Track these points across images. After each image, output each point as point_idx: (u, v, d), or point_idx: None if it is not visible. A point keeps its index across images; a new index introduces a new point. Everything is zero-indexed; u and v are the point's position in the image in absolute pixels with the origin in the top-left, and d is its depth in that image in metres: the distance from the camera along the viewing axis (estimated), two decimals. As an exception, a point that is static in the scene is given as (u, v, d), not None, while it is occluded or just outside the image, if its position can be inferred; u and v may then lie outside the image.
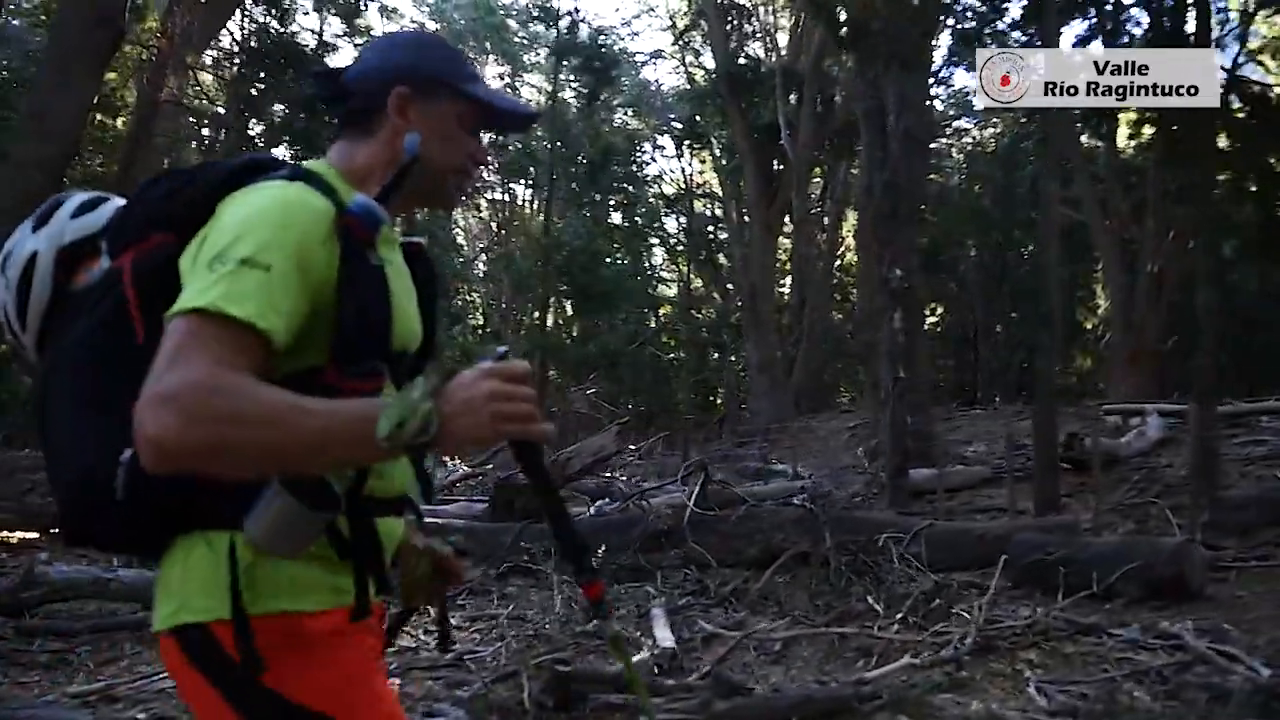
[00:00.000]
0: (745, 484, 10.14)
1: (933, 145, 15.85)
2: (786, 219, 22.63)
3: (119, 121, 11.62)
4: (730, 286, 26.08)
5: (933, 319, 31.73)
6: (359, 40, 16.10)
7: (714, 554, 6.93)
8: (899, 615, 5.46)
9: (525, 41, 31.16)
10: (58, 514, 1.32)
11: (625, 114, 32.05)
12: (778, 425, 18.05)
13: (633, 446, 15.89)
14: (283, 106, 11.43)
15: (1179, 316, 23.54)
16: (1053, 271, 9.31)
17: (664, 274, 34.00)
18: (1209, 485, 7.43)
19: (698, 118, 24.88)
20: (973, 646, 4.69)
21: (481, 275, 28.44)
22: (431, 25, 30.24)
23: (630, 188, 28.95)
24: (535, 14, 25.56)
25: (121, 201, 1.38)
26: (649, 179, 28.59)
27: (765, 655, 5.18)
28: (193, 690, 1.23)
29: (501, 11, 29.53)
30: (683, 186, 28.38)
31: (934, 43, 13.57)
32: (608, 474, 10.88)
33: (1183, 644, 4.78)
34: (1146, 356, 22.62)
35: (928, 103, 12.18)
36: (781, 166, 22.09)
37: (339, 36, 16.33)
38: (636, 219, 28.03)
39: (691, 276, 29.66)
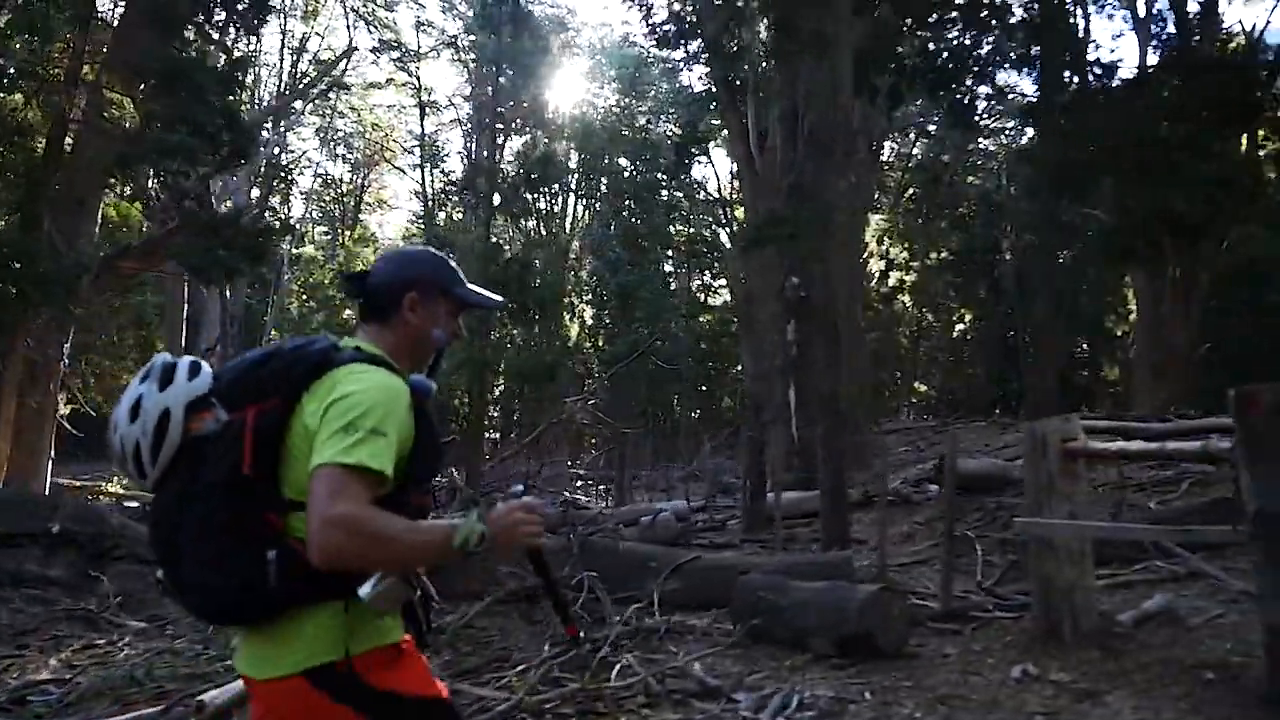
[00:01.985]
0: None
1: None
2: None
3: (27, 143, 11.65)
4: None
5: (962, 325, 30.35)
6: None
7: (442, 586, 6.40)
8: (526, 668, 4.86)
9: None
10: (200, 606, 1.76)
11: (654, 120, 31.53)
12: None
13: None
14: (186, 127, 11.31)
15: (1210, 322, 21.87)
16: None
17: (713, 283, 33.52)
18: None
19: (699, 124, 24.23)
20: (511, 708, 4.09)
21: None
22: (456, 29, 30.42)
23: (654, 195, 28.48)
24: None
25: (207, 366, 1.82)
26: (664, 184, 27.94)
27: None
28: (313, 712, 1.69)
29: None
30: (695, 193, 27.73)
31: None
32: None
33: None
34: (1175, 365, 20.93)
35: (850, 97, 11.16)
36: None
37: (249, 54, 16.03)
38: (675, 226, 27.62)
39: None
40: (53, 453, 13.06)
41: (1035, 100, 7.43)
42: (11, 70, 10.78)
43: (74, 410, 14.94)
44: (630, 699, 4.49)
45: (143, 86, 11.91)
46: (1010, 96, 20.11)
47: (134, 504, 12.93)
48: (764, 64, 17.21)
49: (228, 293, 25.40)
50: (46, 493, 12.62)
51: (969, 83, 8.03)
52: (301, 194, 37.57)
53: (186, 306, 25.46)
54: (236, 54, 12.46)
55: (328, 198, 38.31)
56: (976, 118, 27.95)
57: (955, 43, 7.80)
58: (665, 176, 26.84)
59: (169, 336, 23.88)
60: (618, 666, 4.96)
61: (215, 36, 12.05)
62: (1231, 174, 6.63)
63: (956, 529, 7.68)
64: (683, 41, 25.33)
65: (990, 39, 8.99)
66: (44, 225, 11.25)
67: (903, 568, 7.16)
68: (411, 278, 1.95)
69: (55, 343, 11.49)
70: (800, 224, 10.67)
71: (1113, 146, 6.80)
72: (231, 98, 11.81)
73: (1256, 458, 3.72)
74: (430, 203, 30.60)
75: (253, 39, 17.39)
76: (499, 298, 2.20)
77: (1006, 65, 8.01)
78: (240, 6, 12.02)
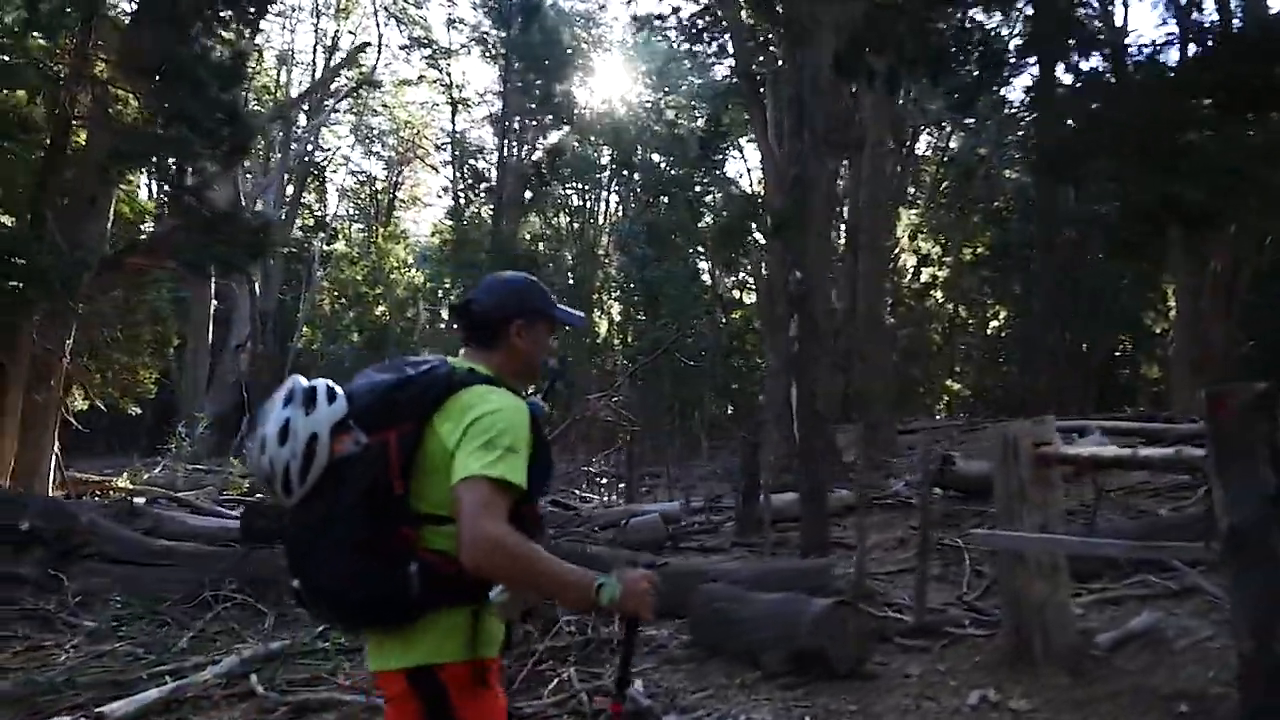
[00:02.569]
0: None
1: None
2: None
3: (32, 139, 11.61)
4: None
5: (996, 322, 29.54)
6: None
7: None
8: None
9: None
10: (338, 612, 1.90)
11: (683, 114, 31.11)
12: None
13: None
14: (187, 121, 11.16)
15: (1251, 318, 20.99)
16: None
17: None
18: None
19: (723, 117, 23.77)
20: None
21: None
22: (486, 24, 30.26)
23: (682, 190, 28.06)
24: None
25: (340, 390, 1.94)
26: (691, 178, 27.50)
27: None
28: (406, 708, 1.86)
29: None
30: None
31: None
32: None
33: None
34: (1212, 362, 20.10)
35: (833, 80, 10.70)
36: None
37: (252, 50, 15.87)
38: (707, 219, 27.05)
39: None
40: (58, 447, 13.07)
41: (1035, 83, 6.95)
42: (17, 65, 10.74)
43: (90, 406, 15.00)
44: (557, 718, 4.19)
45: (144, 83, 11.84)
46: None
47: (142, 499, 12.90)
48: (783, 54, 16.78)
49: (257, 290, 25.56)
50: (50, 489, 12.63)
51: (971, 67, 7.55)
52: (338, 191, 37.86)
53: (215, 304, 25.68)
54: (240, 48, 12.25)
55: (363, 195, 38.49)
56: (1012, 110, 27.30)
57: (956, 24, 7.36)
58: (690, 171, 26.42)
59: (195, 334, 24.09)
60: (555, 681, 4.68)
61: (220, 31, 11.85)
62: (1244, 161, 6.11)
63: (950, 537, 7.29)
64: (709, 34, 25.00)
65: (993, 19, 8.55)
66: (47, 222, 11.22)
67: (888, 576, 6.74)
68: (516, 306, 2.13)
69: (58, 339, 11.44)
70: (793, 216, 10.32)
71: (1114, 128, 6.31)
72: (231, 92, 11.65)
73: (1227, 465, 3.31)
74: (459, 200, 30.49)
75: (254, 33, 17.23)
76: (581, 314, 2.37)
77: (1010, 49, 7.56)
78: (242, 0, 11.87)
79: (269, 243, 11.86)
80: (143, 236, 12.93)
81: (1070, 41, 6.84)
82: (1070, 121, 6.49)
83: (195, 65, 11.38)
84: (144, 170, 11.63)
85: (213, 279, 23.53)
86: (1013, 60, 7.54)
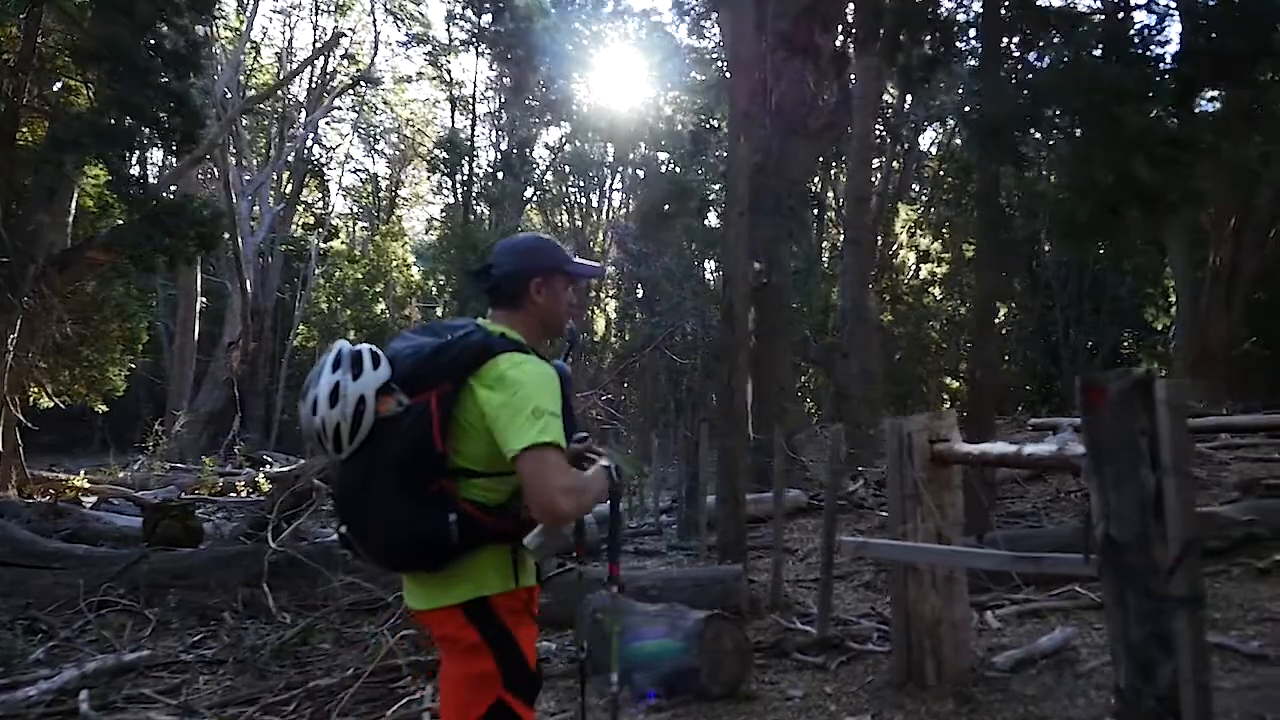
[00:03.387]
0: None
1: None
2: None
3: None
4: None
5: (997, 320, 28.82)
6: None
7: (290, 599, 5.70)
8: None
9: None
10: (386, 557, 2.08)
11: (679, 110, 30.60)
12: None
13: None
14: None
15: (1256, 315, 20.24)
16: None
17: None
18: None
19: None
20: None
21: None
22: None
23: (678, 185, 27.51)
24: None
25: (384, 355, 2.10)
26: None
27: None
28: (463, 639, 2.03)
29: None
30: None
31: None
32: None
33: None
34: (1212, 360, 19.41)
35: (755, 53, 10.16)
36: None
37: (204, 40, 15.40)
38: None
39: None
40: (20, 444, 12.76)
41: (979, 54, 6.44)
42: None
43: (64, 405, 14.69)
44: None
45: (96, 71, 11.49)
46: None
47: (94, 498, 12.56)
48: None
49: (249, 287, 25.26)
50: (9, 487, 12.32)
51: (928, 40, 7.00)
52: (341, 190, 37.60)
53: (204, 300, 25.41)
54: (195, 36, 11.87)
55: (365, 194, 38.23)
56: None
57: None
58: (684, 165, 25.88)
59: (182, 330, 23.83)
60: (407, 699, 4.24)
61: (175, 19, 11.46)
62: (1193, 134, 5.54)
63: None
64: (702, 25, 24.50)
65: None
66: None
67: (815, 584, 6.23)
68: (533, 265, 2.21)
69: (1, 335, 11.09)
70: (758, 204, 9.83)
71: (1060, 100, 5.74)
72: (185, 81, 11.27)
73: (1102, 465, 2.79)
74: (457, 197, 30.11)
75: (211, 20, 16.87)
76: (598, 265, 2.59)
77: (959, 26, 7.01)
78: (193, -13, 11.48)
79: (218, 234, 11.45)
80: (103, 230, 12.54)
81: (1018, 11, 6.31)
82: (1017, 93, 5.94)
83: (145, 53, 11.00)
84: (97, 160, 11.19)
85: (199, 275, 23.33)
86: (969, 36, 7.01)
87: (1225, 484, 7.51)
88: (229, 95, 22.22)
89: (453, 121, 32.69)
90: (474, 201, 31.70)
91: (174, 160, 13.02)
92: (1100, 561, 2.92)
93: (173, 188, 12.82)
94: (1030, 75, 6.41)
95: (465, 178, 29.20)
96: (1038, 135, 6.51)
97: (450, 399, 1.98)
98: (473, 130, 30.94)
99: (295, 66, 26.07)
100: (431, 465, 1.96)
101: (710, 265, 30.37)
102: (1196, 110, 6.36)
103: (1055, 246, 18.82)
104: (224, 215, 11.01)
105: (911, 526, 3.99)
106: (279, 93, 30.40)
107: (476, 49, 28.73)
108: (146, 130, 10.64)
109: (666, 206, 21.66)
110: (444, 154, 28.28)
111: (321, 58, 30.60)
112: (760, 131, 10.44)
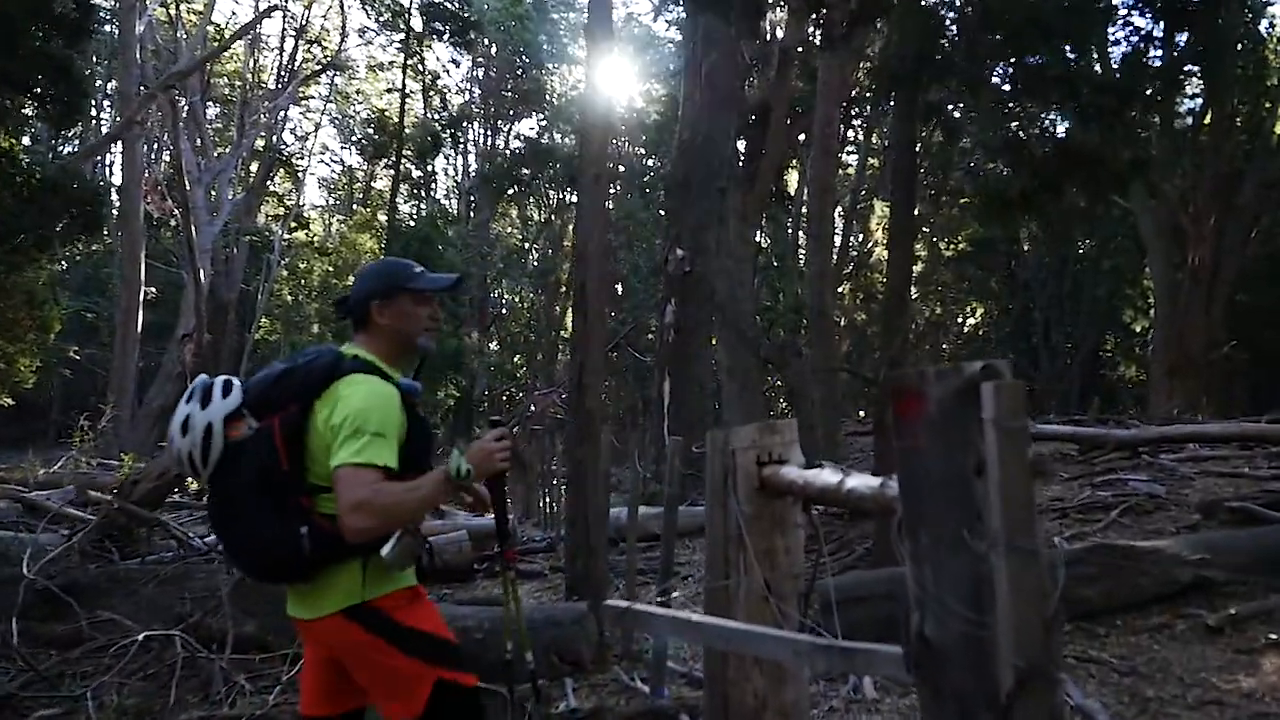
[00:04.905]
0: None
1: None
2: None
3: None
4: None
5: (973, 320, 27.79)
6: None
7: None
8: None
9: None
10: (250, 571, 2.27)
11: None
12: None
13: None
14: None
15: (1237, 319, 19.23)
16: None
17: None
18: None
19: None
20: None
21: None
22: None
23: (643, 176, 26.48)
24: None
25: (238, 383, 2.24)
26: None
27: None
28: (355, 643, 2.10)
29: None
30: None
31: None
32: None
33: None
34: (1190, 366, 18.41)
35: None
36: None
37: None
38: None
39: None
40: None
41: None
42: None
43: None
44: None
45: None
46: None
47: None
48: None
49: (203, 277, 24.16)
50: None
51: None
52: (318, 182, 36.49)
53: (153, 291, 24.30)
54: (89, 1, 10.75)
55: (340, 186, 37.13)
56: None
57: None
58: (651, 156, 24.86)
59: (124, 320, 22.70)
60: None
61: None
62: (1132, 82, 4.50)
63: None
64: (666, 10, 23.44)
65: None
66: None
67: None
68: (370, 289, 2.29)
69: None
70: (680, 183, 8.79)
71: (967, 36, 4.71)
72: (74, 50, 10.17)
73: (916, 523, 1.71)
74: (424, 190, 29.02)
75: None
76: (451, 276, 2.44)
77: None
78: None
79: (100, 216, 10.35)
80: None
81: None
82: (933, 34, 4.90)
83: (24, 14, 9.89)
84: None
85: (142, 262, 22.22)
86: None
87: (1186, 504, 6.45)
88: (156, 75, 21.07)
89: (425, 111, 31.58)
90: (447, 196, 30.67)
91: (56, 133, 11.92)
92: (913, 656, 1.83)
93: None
94: (947, 17, 5.35)
95: (431, 170, 28.08)
96: (951, 85, 5.48)
97: (295, 420, 2.10)
98: (445, 125, 29.88)
99: (226, 38, 24.71)
100: (282, 483, 2.08)
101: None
102: (1143, 60, 5.37)
103: (983, 225, 17.54)
104: (102, 196, 9.90)
105: (734, 581, 2.90)
106: (248, 79, 29.34)
107: (446, 37, 27.56)
108: (19, 99, 9.54)
109: (630, 196, 20.75)
110: (411, 149, 27.21)
111: (290, 46, 29.50)
112: (690, 109, 9.34)
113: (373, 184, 35.99)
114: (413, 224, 20.69)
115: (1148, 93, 4.78)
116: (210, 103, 29.76)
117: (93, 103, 24.05)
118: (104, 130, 25.62)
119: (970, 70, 4.82)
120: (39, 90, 9.79)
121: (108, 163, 28.33)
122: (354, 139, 35.97)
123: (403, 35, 30.56)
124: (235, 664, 4.18)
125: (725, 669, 2.97)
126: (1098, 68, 4.65)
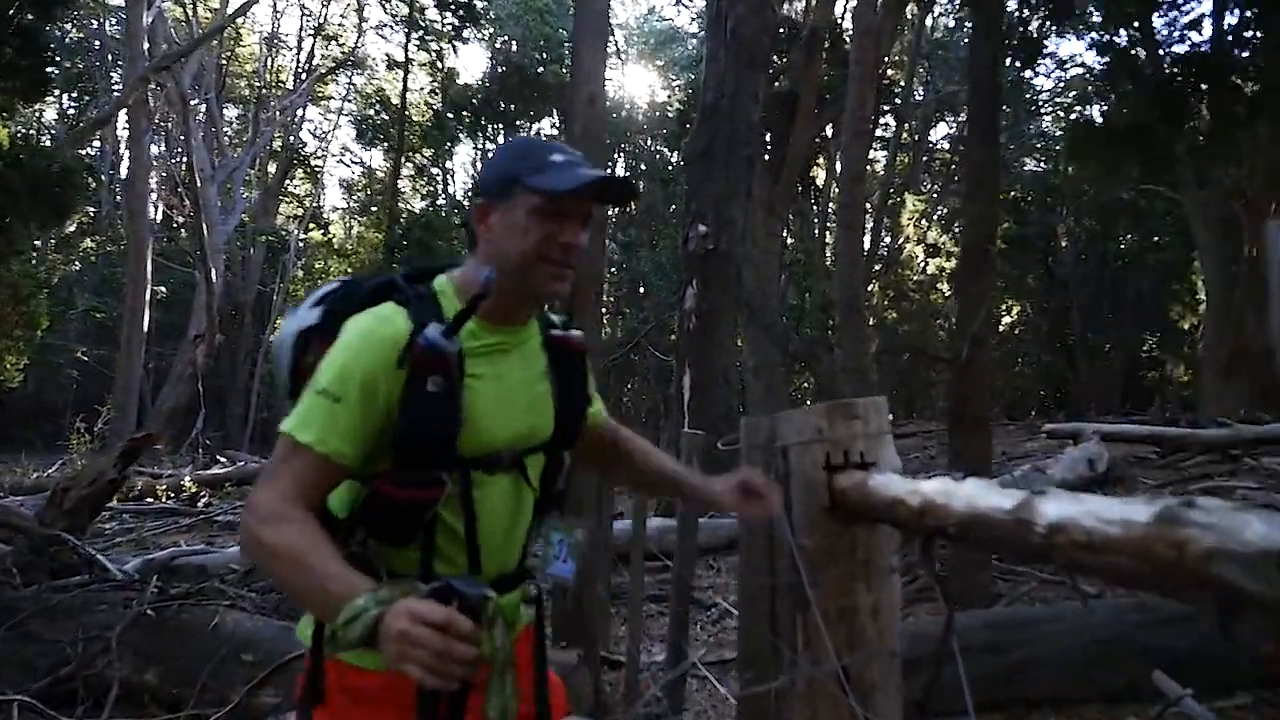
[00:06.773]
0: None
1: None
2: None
3: None
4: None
5: (1009, 318, 26.41)
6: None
7: None
8: None
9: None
10: None
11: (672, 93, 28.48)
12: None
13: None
14: None
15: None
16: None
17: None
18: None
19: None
20: None
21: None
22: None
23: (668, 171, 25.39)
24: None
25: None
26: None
27: None
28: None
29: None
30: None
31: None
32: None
33: None
34: (1245, 362, 17.07)
35: None
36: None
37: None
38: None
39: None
40: None
41: None
42: None
43: None
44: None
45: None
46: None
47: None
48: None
49: (215, 277, 23.34)
50: None
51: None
52: (340, 183, 35.72)
53: (161, 290, 23.49)
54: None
55: (360, 186, 36.34)
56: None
57: None
58: (673, 148, 23.82)
59: (130, 320, 21.86)
60: None
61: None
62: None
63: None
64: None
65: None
66: None
67: (720, 663, 4.02)
68: (481, 180, 1.45)
69: None
70: (702, 152, 7.72)
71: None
72: (36, 20, 9.21)
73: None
74: (442, 185, 28.13)
75: None
76: (595, 172, 1.33)
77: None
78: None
79: (73, 198, 9.37)
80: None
81: None
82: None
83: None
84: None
85: (149, 260, 21.37)
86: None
87: None
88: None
89: (444, 107, 30.65)
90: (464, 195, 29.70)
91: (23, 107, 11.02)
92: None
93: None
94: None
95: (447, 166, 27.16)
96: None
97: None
98: (465, 119, 28.97)
99: (214, 23, 23.71)
100: None
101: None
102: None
103: (1073, 161, 16.14)
104: (76, 173, 8.95)
105: (787, 672, 1.76)
106: (266, 78, 28.59)
107: (461, 32, 26.66)
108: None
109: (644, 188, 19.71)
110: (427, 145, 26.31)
111: (310, 42, 28.72)
112: (714, 69, 8.22)
113: (396, 183, 35.19)
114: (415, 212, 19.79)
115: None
116: (229, 104, 29.06)
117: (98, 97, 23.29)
118: (122, 128, 24.95)
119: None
120: (2, 62, 8.84)
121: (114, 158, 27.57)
122: (368, 134, 35.21)
123: (420, 32, 29.73)
124: (114, 730, 3.11)
125: None
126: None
